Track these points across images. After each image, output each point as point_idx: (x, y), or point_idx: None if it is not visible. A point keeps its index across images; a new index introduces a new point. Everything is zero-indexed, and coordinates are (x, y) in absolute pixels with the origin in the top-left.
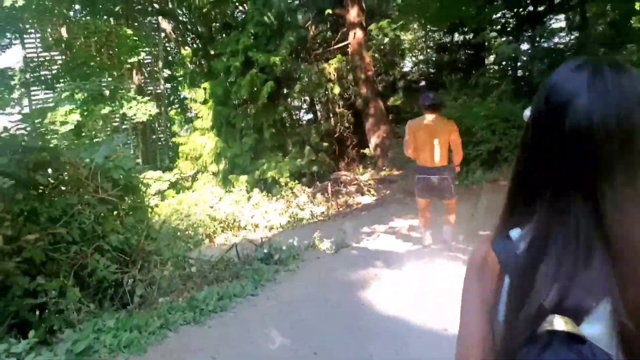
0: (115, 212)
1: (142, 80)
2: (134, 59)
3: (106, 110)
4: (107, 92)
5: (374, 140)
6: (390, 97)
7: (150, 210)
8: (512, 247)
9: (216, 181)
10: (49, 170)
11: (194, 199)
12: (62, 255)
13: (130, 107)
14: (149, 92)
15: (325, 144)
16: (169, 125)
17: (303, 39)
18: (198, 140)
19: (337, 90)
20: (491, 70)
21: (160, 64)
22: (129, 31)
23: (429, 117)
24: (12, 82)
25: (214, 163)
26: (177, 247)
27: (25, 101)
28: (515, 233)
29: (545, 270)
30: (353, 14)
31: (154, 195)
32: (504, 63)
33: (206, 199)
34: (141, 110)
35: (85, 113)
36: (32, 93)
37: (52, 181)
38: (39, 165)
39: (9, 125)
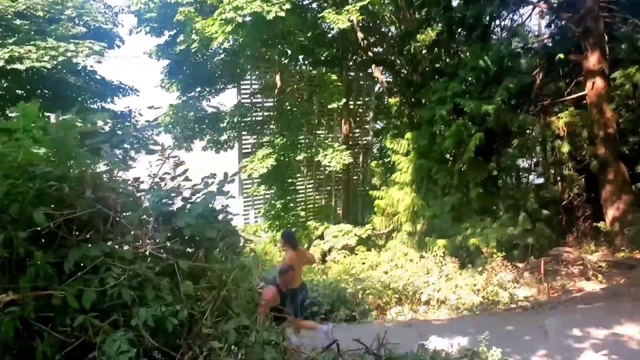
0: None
1: (349, 130)
2: (334, 105)
3: (301, 157)
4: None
5: (611, 213)
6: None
7: (244, 270)
8: None
9: (411, 242)
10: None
11: (381, 259)
12: (55, 329)
13: (326, 155)
14: (358, 142)
15: (545, 212)
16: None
17: (526, 87)
18: (395, 195)
19: (566, 148)
20: None
21: (371, 114)
22: (333, 76)
23: None
24: (221, 125)
25: (409, 222)
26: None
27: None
28: None
29: None
30: (592, 60)
31: (339, 249)
32: None
33: (395, 261)
34: (335, 158)
35: (282, 159)
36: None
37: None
38: (46, 198)
39: None
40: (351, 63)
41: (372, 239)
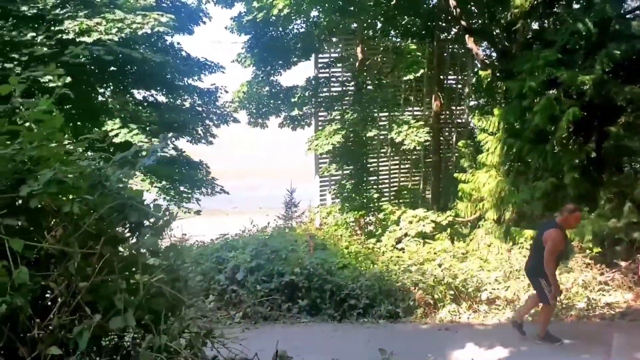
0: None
1: (441, 108)
2: (410, 77)
3: (372, 133)
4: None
5: None
6: None
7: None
8: None
9: (498, 232)
10: None
11: (454, 249)
12: None
13: (399, 132)
14: (456, 121)
15: None
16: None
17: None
18: (481, 178)
19: None
20: None
21: (467, 90)
22: (413, 46)
23: None
24: (292, 100)
25: (493, 208)
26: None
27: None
28: None
29: None
30: None
31: (413, 237)
32: None
33: (476, 252)
34: (410, 136)
35: (351, 135)
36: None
37: None
38: None
39: None
40: (447, 35)
41: (455, 227)
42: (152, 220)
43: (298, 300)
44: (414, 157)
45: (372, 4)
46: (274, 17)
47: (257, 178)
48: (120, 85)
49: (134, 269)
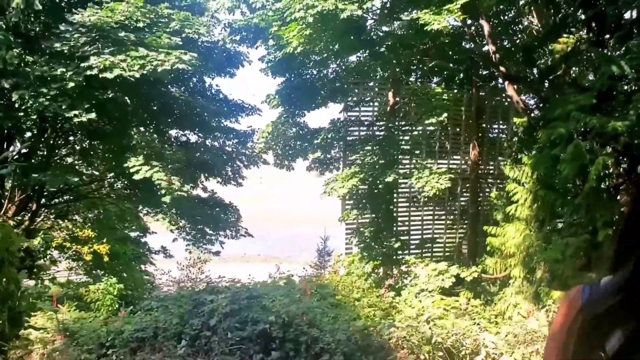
0: None
1: (478, 156)
2: (433, 120)
3: (390, 178)
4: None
5: None
6: None
7: None
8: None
9: (528, 292)
10: None
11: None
12: None
13: (419, 177)
14: (492, 172)
15: None
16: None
17: None
18: (510, 232)
19: None
20: None
21: (507, 137)
22: (438, 89)
23: None
24: (315, 142)
25: (520, 265)
26: None
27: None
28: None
29: None
30: None
31: (430, 292)
32: None
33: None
34: (431, 182)
35: (370, 180)
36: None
37: None
38: None
39: None
40: (492, 82)
41: (483, 285)
42: None
43: (272, 351)
44: (448, 207)
45: (402, 49)
46: (307, 61)
47: (306, 225)
48: (158, 124)
49: None
